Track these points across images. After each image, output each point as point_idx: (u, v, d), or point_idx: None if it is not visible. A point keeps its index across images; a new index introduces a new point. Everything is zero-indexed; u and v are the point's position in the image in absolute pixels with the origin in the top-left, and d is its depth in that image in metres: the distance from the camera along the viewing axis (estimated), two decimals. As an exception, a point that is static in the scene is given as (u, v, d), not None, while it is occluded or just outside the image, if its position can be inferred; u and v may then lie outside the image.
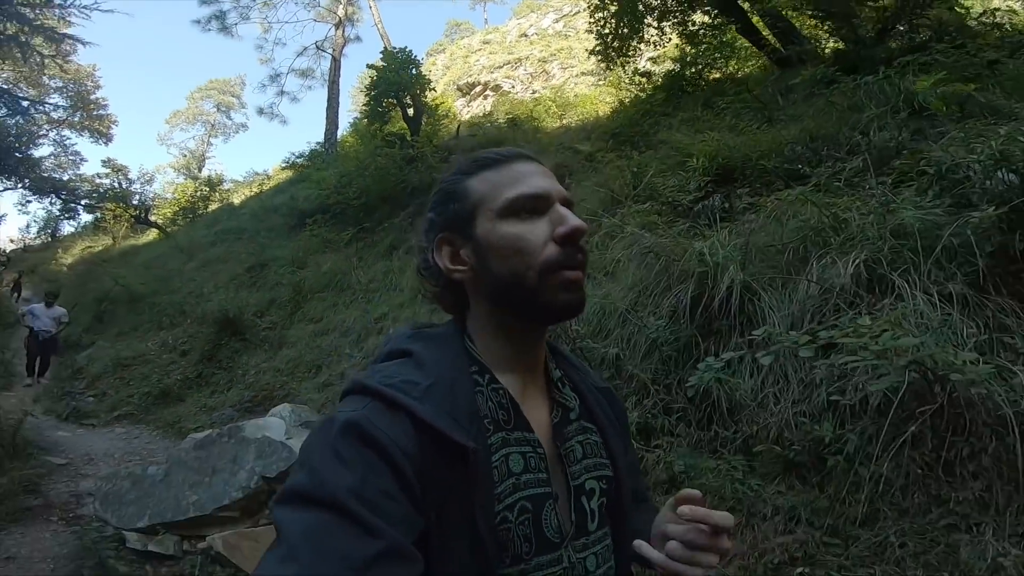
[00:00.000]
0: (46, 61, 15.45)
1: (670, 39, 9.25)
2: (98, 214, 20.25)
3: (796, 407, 2.77)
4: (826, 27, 7.43)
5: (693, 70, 8.49)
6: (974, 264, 2.39)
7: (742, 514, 2.63)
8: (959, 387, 2.14)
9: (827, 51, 7.26)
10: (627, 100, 9.51)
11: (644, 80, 9.38)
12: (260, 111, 20.21)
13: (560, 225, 0.67)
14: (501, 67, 20.20)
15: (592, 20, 9.24)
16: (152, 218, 18.56)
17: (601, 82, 12.24)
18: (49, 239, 27.25)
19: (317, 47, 19.01)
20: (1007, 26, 5.98)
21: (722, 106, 6.37)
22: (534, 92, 16.39)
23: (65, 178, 22.42)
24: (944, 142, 3.13)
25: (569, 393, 0.76)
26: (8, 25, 12.12)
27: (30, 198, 21.94)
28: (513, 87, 18.54)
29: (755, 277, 3.00)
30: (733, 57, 8.73)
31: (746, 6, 7.75)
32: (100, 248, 19.70)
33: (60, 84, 21.95)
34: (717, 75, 8.67)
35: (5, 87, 17.66)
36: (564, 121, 10.63)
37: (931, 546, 2.23)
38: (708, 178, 4.55)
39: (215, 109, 36.21)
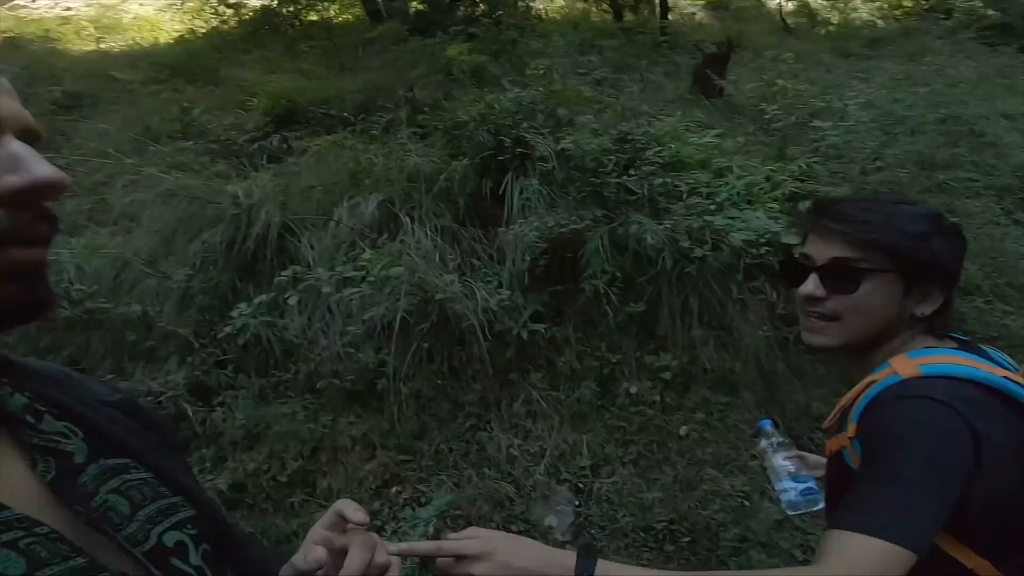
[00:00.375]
0: None
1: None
2: None
3: (344, 339, 2.88)
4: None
5: (291, 9, 7.92)
6: (458, 202, 2.97)
7: (328, 451, 2.62)
8: (446, 305, 2.62)
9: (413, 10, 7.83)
10: (202, 30, 8.22)
11: (231, 11, 8.25)
12: None
13: (13, 172, 0.40)
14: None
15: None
16: None
17: (176, 6, 10.24)
18: None
19: None
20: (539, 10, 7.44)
21: (304, 49, 6.20)
22: (69, 9, 12.31)
23: None
24: (455, 103, 3.76)
25: (56, 426, 0.47)
26: None
27: None
28: (35, 1, 13.42)
29: (295, 217, 2.98)
30: (336, 2, 8.55)
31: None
32: None
33: None
34: (315, 18, 8.34)
35: None
36: (104, 45, 8.39)
37: (468, 447, 2.66)
38: (269, 119, 4.32)
39: None
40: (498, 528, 2.48)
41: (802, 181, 3.32)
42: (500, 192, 3.12)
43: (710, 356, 2.70)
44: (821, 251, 0.88)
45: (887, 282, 0.85)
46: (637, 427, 2.68)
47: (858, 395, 0.85)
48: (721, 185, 3.18)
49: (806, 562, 2.68)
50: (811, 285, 0.87)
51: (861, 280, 0.85)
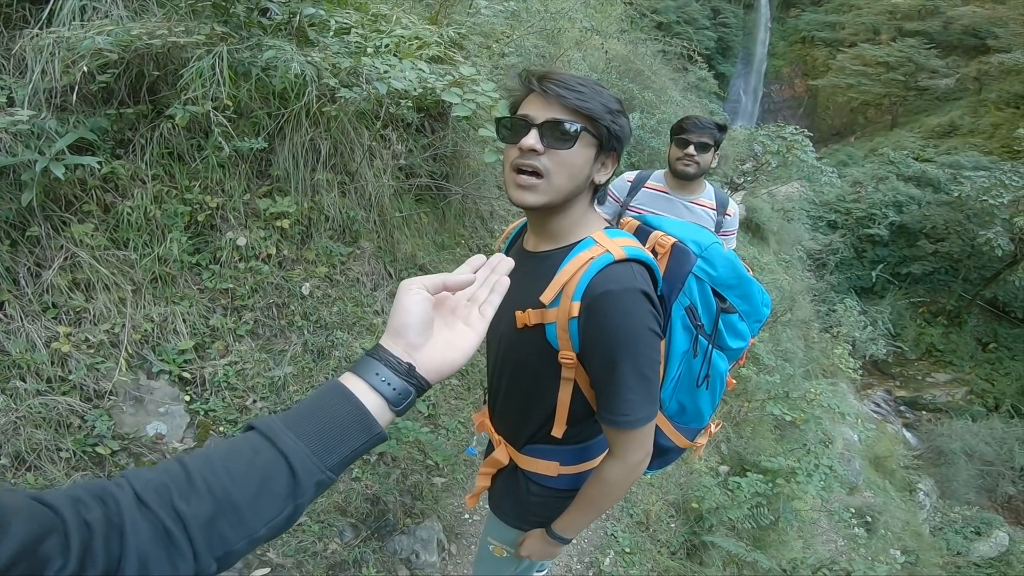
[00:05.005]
0: None
1: None
2: None
3: None
4: None
5: None
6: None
7: None
8: None
9: None
10: None
11: None
12: None
13: None
14: None
15: None
16: None
17: None
18: None
19: None
20: None
21: None
22: None
23: None
24: None
25: None
26: None
27: None
28: None
29: None
30: None
31: None
32: None
33: None
34: None
35: None
36: None
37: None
38: None
39: None
40: (73, 457, 1.81)
41: (447, 48, 3.22)
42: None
43: (333, 203, 2.38)
44: (541, 112, 0.98)
45: (588, 144, 1.00)
46: (250, 288, 2.20)
47: (577, 272, 0.99)
48: (375, 33, 2.82)
49: (431, 416, 2.85)
50: (532, 139, 0.97)
51: (576, 140, 0.98)
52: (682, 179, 2.19)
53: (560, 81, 0.98)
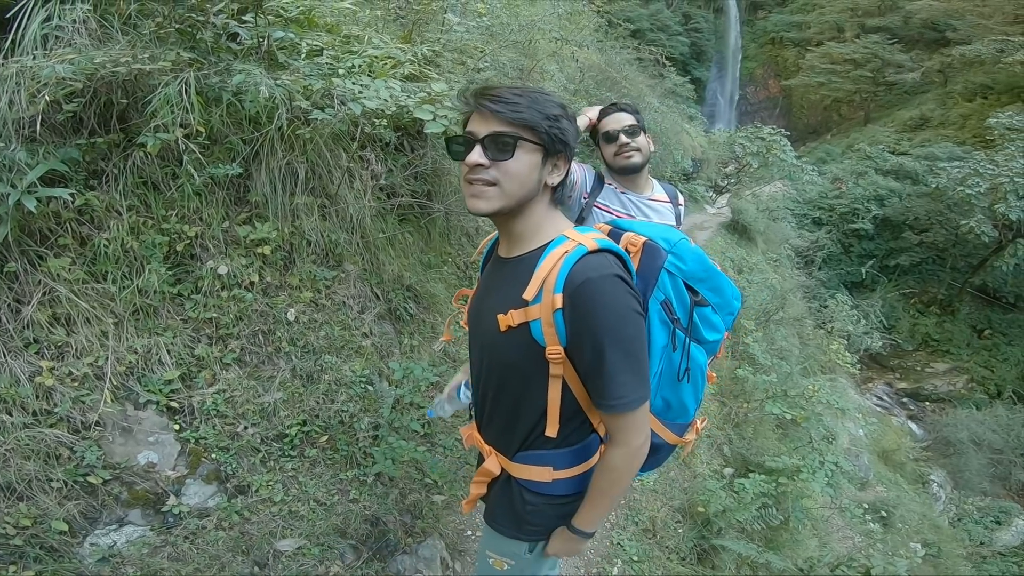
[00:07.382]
0: None
1: None
2: None
3: None
4: None
5: None
6: None
7: None
8: None
9: None
10: None
11: None
12: None
13: None
14: None
15: None
16: None
17: None
18: None
19: None
20: None
21: None
22: None
23: None
24: None
25: None
26: None
27: None
28: None
29: None
30: None
31: None
32: None
33: None
34: None
35: None
36: None
37: None
38: None
39: None
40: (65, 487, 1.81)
41: (422, 65, 3.26)
42: (7, 15, 2.06)
43: (314, 227, 2.37)
44: (483, 127, 1.05)
45: (532, 151, 1.06)
46: (234, 316, 2.18)
47: (554, 266, 1.03)
48: (347, 54, 2.86)
49: (426, 435, 2.80)
50: (476, 154, 1.04)
51: (515, 149, 1.04)
52: (631, 172, 1.99)
53: (495, 96, 1.04)
